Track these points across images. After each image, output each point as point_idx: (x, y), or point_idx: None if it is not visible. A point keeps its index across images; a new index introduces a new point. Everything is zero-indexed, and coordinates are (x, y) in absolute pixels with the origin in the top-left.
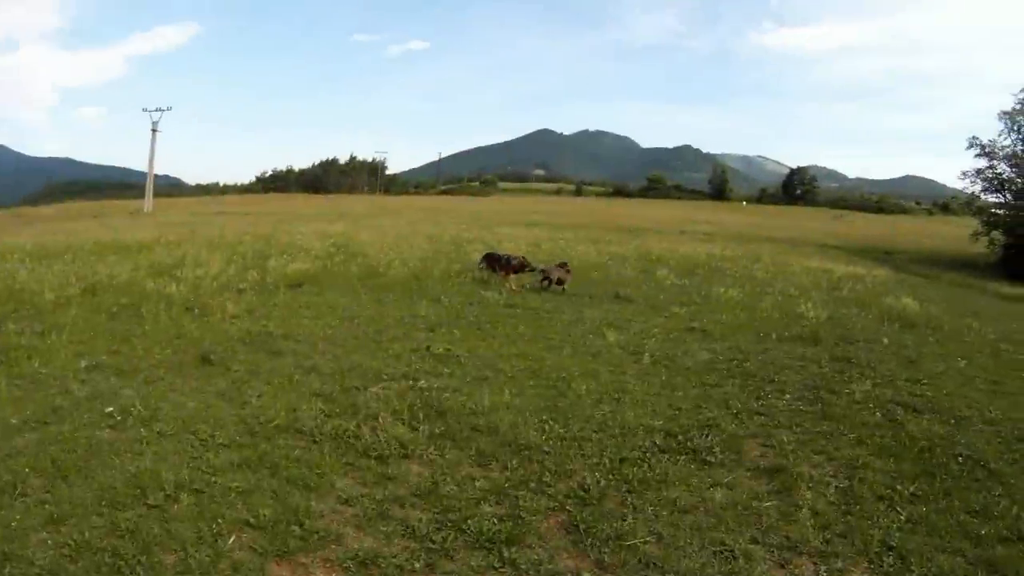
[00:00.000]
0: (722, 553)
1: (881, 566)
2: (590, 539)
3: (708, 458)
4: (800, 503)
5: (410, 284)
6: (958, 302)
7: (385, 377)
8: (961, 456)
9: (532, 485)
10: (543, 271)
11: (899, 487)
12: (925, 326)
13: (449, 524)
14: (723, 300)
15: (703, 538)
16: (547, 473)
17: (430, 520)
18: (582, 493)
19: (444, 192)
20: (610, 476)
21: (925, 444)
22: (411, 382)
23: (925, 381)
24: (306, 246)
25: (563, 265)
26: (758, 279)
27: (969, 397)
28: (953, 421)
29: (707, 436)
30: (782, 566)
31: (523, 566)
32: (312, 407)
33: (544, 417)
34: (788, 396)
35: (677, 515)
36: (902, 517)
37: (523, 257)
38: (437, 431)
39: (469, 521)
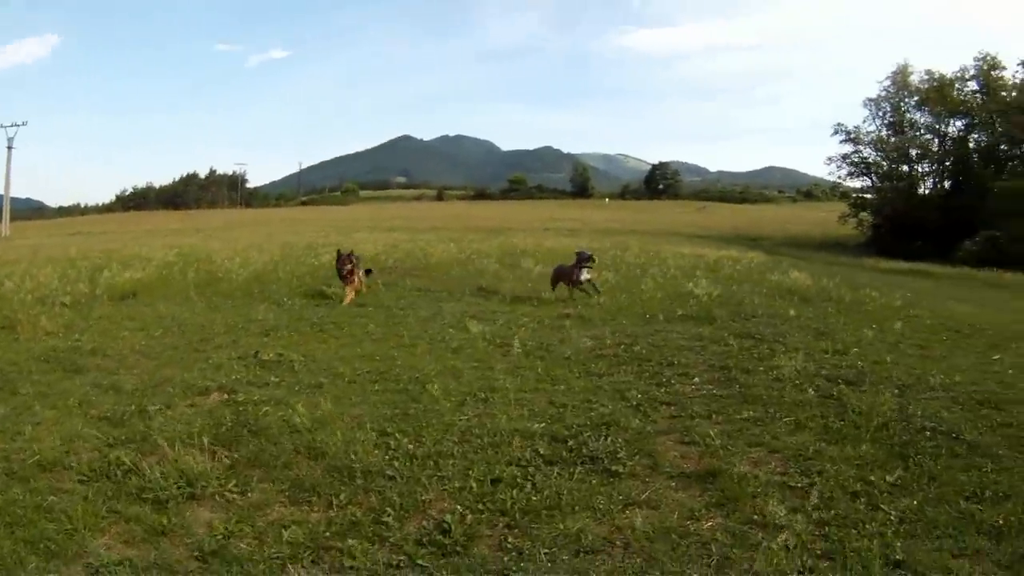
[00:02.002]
0: None
1: None
2: None
3: (614, 467)
4: (755, 517)
5: (251, 288)
6: (844, 276)
7: (196, 391)
8: (928, 430)
9: (367, 530)
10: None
11: (872, 478)
12: (822, 299)
13: None
14: (598, 284)
15: None
16: (390, 509)
17: None
18: (440, 537)
19: (305, 203)
20: (480, 506)
21: (879, 420)
22: (227, 396)
23: (847, 352)
24: (148, 256)
25: (581, 262)
26: (632, 263)
27: (903, 364)
28: (898, 391)
29: (606, 437)
30: None
31: None
32: (93, 436)
33: (389, 429)
34: (696, 380)
35: (585, 558)
36: (892, 518)
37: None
38: (244, 458)
39: None
